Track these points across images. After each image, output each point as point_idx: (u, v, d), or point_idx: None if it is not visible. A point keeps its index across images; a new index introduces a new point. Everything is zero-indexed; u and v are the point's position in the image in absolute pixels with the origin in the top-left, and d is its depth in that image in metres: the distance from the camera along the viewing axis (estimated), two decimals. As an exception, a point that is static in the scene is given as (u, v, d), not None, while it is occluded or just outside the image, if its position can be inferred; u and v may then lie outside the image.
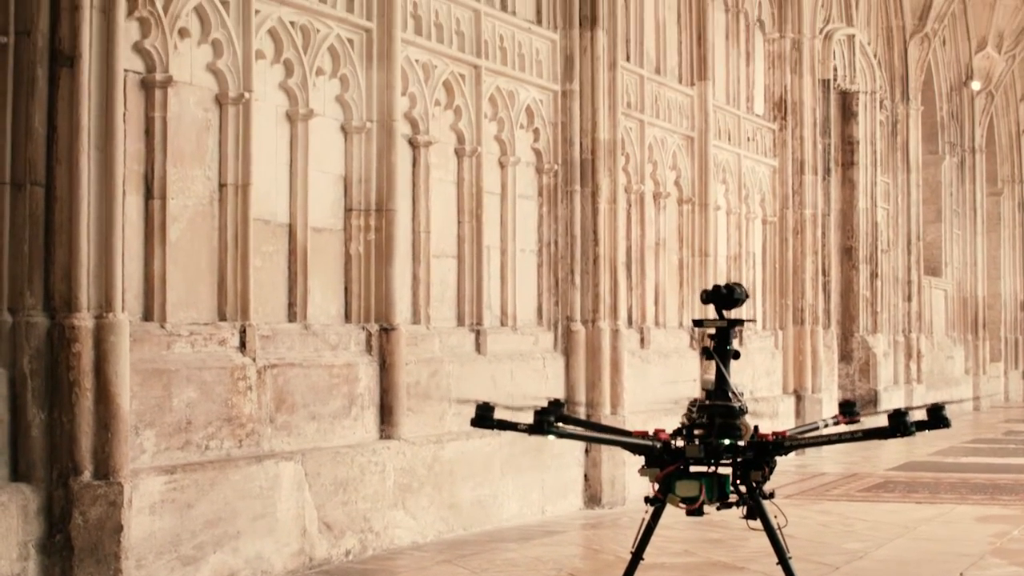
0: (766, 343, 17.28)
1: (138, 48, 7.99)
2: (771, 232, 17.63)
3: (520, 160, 11.81)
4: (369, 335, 9.77)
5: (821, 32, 19.02)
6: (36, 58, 7.16)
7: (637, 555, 6.55)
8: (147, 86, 8.06)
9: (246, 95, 8.68)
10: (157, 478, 7.64)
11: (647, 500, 6.47)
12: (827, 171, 19.38)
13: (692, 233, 15.28)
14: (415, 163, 10.51)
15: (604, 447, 12.05)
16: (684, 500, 6.37)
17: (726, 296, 6.62)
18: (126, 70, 7.67)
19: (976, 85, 27.51)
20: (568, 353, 12.12)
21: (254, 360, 8.61)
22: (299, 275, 9.28)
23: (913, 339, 23.94)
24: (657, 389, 13.76)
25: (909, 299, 23.84)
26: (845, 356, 21.11)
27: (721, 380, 6.50)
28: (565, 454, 11.82)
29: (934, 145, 26.62)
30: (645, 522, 6.49)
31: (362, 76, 9.84)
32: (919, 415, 6.23)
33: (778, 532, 6.33)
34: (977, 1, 26.92)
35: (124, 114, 7.57)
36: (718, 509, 6.46)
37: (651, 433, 6.57)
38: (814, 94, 18.19)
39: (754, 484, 6.37)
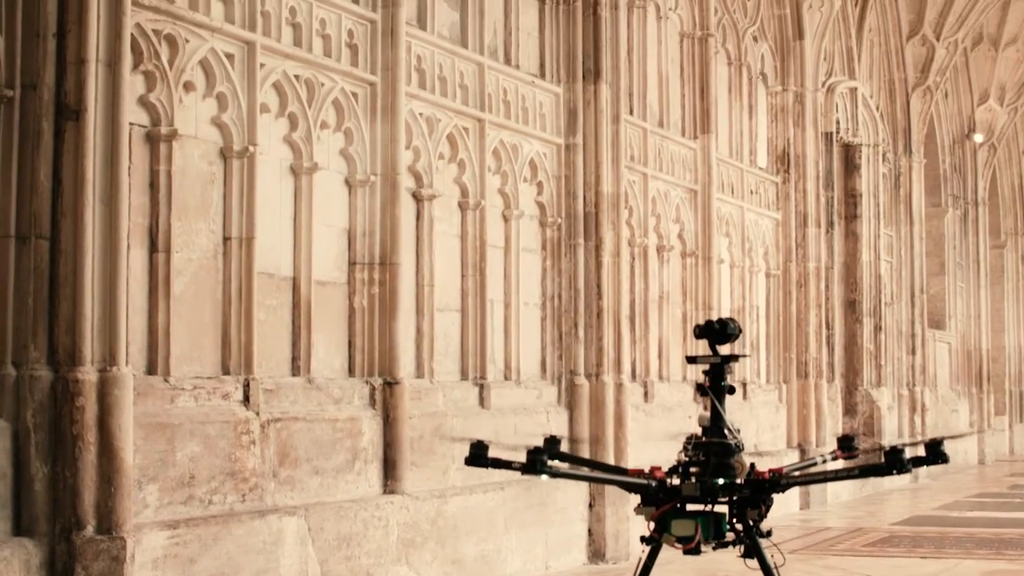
0: (770, 397, 17.24)
1: (143, 101, 8.01)
2: (774, 285, 17.63)
3: (524, 213, 11.82)
4: (373, 389, 9.74)
5: (823, 85, 19.08)
6: (42, 111, 7.17)
7: None
8: (152, 139, 8.08)
9: (251, 148, 8.69)
10: (160, 533, 7.60)
11: (643, 540, 6.40)
12: (830, 224, 19.40)
13: (695, 286, 15.27)
14: (419, 216, 10.51)
15: (608, 501, 12.00)
16: (680, 539, 6.29)
17: (719, 331, 6.56)
18: (131, 123, 7.68)
19: (979, 137, 27.55)
20: (572, 407, 12.09)
21: (257, 414, 8.59)
22: (303, 329, 9.26)
23: (917, 392, 23.87)
24: (661, 443, 13.69)
25: (913, 352, 23.79)
26: (849, 410, 21.03)
27: (716, 417, 6.43)
28: (569, 509, 11.77)
29: (937, 198, 26.62)
30: (642, 562, 6.42)
31: (366, 129, 9.86)
32: (921, 450, 6.17)
33: (775, 571, 6.26)
34: (979, 54, 27.00)
35: (129, 167, 7.56)
36: (714, 548, 6.38)
37: (647, 471, 6.50)
38: (817, 147, 18.24)
39: (751, 522, 6.30)
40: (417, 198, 10.49)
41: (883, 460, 6.15)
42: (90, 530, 7.09)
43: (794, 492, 17.12)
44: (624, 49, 13.17)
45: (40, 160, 7.16)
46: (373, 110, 9.90)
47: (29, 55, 7.19)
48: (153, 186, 8.10)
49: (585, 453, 12.05)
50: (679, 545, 6.29)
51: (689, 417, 14.32)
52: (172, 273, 8.15)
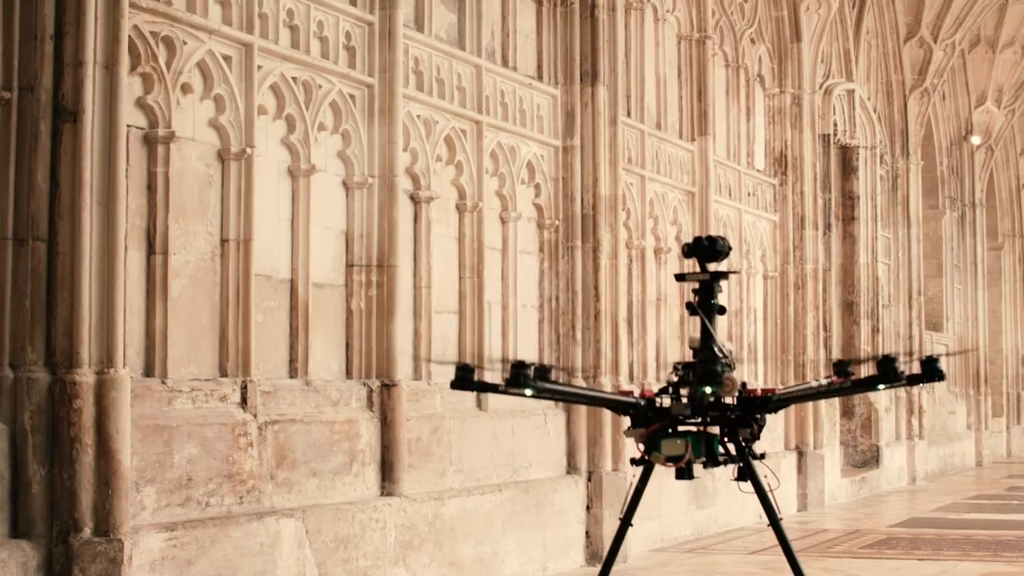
0: (768, 398, 17.19)
1: (141, 103, 8.00)
2: (772, 287, 17.62)
3: (521, 215, 11.81)
4: (370, 391, 9.73)
5: (821, 87, 19.08)
6: (39, 113, 7.16)
7: (626, 520, 6.36)
8: (149, 141, 8.07)
9: (248, 151, 8.69)
10: (157, 535, 7.60)
11: (633, 462, 6.29)
12: (828, 226, 19.40)
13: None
14: (416, 218, 10.50)
15: (605, 503, 11.99)
16: (669, 459, 6.16)
17: (708, 248, 6.45)
18: (129, 125, 7.67)
19: (976, 140, 27.55)
20: (569, 409, 12.07)
21: (255, 416, 8.58)
22: (300, 331, 9.25)
23: (915, 394, 23.86)
24: (659, 445, 13.68)
25: (911, 354, 23.75)
26: (847, 412, 21.04)
27: (706, 336, 6.32)
28: (566, 511, 11.76)
29: (934, 200, 26.64)
30: (633, 486, 6.32)
31: (364, 131, 9.85)
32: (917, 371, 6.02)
33: (769, 493, 6.15)
34: (976, 56, 27.00)
35: (126, 169, 7.56)
36: (705, 467, 6.25)
37: (636, 393, 6.41)
38: (814, 149, 18.22)
39: (743, 442, 6.19)
40: (415, 200, 10.48)
41: (876, 371, 5.99)
42: (87, 532, 7.08)
43: (792, 493, 17.10)
44: (622, 51, 13.18)
45: (37, 162, 7.15)
46: (371, 112, 9.90)
47: (26, 57, 7.18)
48: (151, 188, 8.09)
49: (584, 454, 12.05)
50: (669, 464, 6.17)
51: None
52: (170, 275, 8.14)
